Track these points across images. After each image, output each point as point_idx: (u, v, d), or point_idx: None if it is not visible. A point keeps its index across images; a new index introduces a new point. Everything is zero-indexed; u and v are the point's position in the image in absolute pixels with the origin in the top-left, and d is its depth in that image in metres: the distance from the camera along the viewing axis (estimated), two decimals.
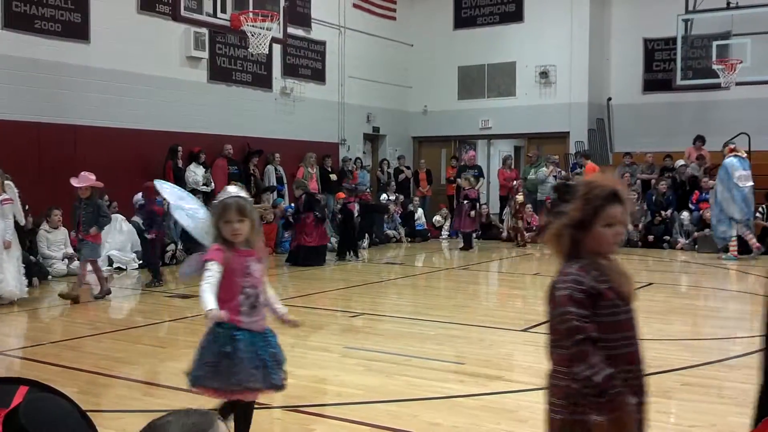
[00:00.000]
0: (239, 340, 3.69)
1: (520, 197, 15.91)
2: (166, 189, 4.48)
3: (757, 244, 13.22)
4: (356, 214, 14.12)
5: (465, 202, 15.17)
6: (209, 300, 3.58)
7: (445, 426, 4.54)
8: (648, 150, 17.16)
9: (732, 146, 13.36)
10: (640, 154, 17.09)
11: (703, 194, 14.92)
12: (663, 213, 15.21)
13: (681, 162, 16.02)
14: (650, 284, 10.58)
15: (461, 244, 15.22)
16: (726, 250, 13.26)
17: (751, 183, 12.97)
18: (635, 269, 12.87)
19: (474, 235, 15.72)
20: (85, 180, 9.07)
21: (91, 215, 9.07)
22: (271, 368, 3.75)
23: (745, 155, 13.28)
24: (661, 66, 18.41)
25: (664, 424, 4.78)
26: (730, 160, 12.99)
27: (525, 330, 7.40)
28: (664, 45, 18.23)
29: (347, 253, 13.53)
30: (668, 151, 16.74)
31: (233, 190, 3.77)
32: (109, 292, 9.29)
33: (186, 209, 4.25)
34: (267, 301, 3.86)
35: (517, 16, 18.88)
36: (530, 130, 18.78)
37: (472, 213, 15.13)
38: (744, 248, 13.18)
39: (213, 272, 3.63)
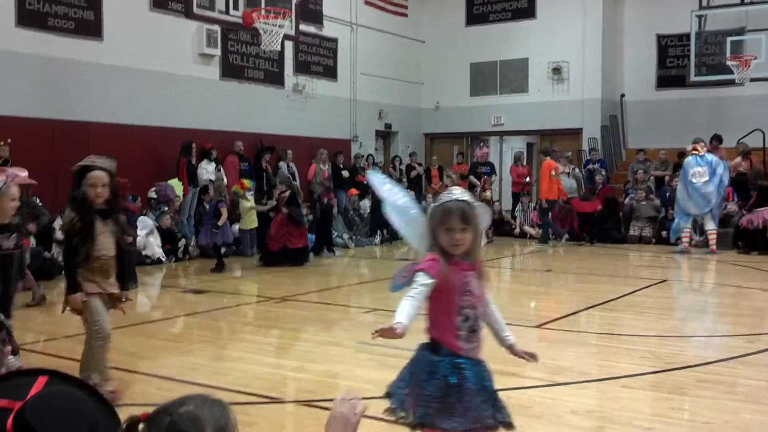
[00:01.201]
0: (465, 369, 3.12)
1: (487, 193, 15.86)
2: (379, 182, 3.70)
3: (714, 248, 13.37)
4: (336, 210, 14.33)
5: None
6: (402, 314, 3.02)
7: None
8: (661, 147, 17.09)
9: (696, 144, 13.59)
10: (654, 151, 17.01)
11: None
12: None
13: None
14: (664, 281, 10.53)
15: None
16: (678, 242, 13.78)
17: (706, 178, 13.24)
18: (649, 266, 12.83)
19: None
20: (12, 178, 8.52)
21: (25, 216, 8.41)
22: (498, 402, 3.19)
23: (704, 153, 13.52)
24: (674, 62, 18.32)
25: (678, 420, 4.75)
26: (687, 160, 13.47)
27: (538, 326, 7.38)
28: (677, 41, 18.13)
29: (323, 249, 13.27)
30: (682, 148, 16.63)
31: (457, 192, 3.20)
32: (43, 299, 8.36)
33: (398, 206, 3.55)
34: (492, 325, 3.34)
35: (529, 12, 18.81)
36: (543, 126, 18.72)
37: None
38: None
39: (422, 285, 3.08)
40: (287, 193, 12.14)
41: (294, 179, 15.55)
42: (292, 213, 12.01)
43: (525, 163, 18.12)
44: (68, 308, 4.99)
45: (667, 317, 8.20)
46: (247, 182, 12.48)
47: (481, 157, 17.67)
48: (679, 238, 13.73)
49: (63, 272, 5.50)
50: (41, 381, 1.87)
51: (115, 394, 4.82)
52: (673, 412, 4.86)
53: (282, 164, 15.44)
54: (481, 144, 19.17)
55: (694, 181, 13.24)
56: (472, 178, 17.07)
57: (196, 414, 1.56)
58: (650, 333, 7.13)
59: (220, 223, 11.36)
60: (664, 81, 18.37)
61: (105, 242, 4.87)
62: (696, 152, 13.44)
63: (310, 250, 12.71)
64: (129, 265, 5.06)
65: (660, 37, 18.38)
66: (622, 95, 18.78)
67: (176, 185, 12.84)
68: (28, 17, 11.66)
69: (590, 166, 16.89)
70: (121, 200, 9.61)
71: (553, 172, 15.32)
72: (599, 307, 8.64)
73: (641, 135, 18.20)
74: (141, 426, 1.58)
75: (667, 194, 15.48)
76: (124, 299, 5.12)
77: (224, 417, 1.60)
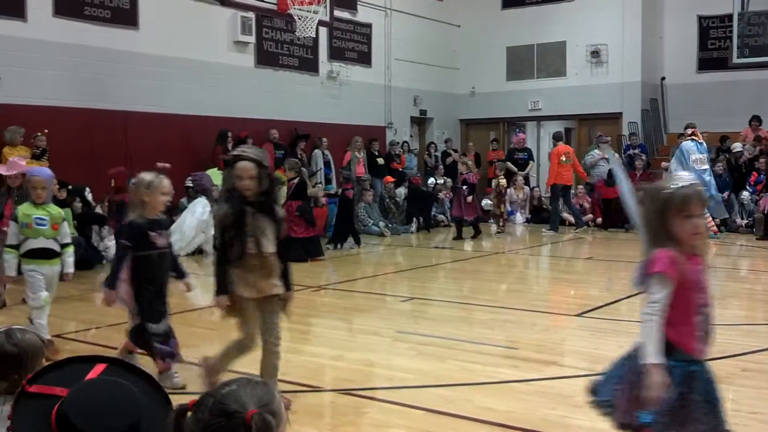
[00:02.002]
0: (696, 377, 2.85)
1: (502, 180, 15.26)
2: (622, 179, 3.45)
3: (715, 229, 13.39)
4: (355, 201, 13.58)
5: (464, 187, 13.94)
6: (652, 347, 2.74)
7: (500, 411, 4.46)
8: (703, 131, 16.74)
9: (691, 130, 13.73)
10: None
11: (761, 176, 14.51)
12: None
13: (737, 147, 15.58)
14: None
15: (455, 234, 14.17)
16: None
17: (706, 166, 13.54)
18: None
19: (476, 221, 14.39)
20: (14, 167, 8.00)
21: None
22: (722, 411, 2.91)
23: (702, 140, 13.67)
24: (716, 44, 17.91)
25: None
26: (687, 144, 13.53)
27: (579, 315, 7.26)
28: (719, 22, 17.73)
29: (343, 241, 12.68)
30: (724, 132, 16.31)
31: (686, 176, 2.91)
32: (4, 305, 7.59)
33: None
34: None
35: None
36: (581, 111, 18.43)
37: (470, 198, 13.85)
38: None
39: (660, 298, 2.77)
40: (296, 180, 11.56)
41: (329, 167, 15.58)
42: (301, 207, 11.35)
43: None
44: (220, 310, 4.57)
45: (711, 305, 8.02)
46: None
47: (517, 143, 17.49)
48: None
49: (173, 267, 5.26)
50: (98, 369, 1.86)
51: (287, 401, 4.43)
52: None
53: (316, 152, 15.42)
54: (517, 130, 18.96)
55: (696, 167, 13.27)
56: (509, 164, 16.90)
57: (239, 392, 1.58)
58: None
59: None
60: (706, 63, 17.98)
61: (265, 237, 4.38)
62: (696, 138, 13.61)
63: (328, 242, 12.54)
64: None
65: (701, 18, 17.97)
66: (663, 78, 18.42)
67: (214, 174, 12.85)
68: (64, 7, 11.75)
69: (630, 152, 16.61)
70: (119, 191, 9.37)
71: (563, 158, 15.18)
72: (641, 295, 8.50)
73: (682, 119, 17.76)
74: (189, 414, 1.58)
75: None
76: (287, 302, 4.59)
77: (268, 395, 1.61)
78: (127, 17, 12.57)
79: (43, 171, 6.03)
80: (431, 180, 17.02)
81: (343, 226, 12.92)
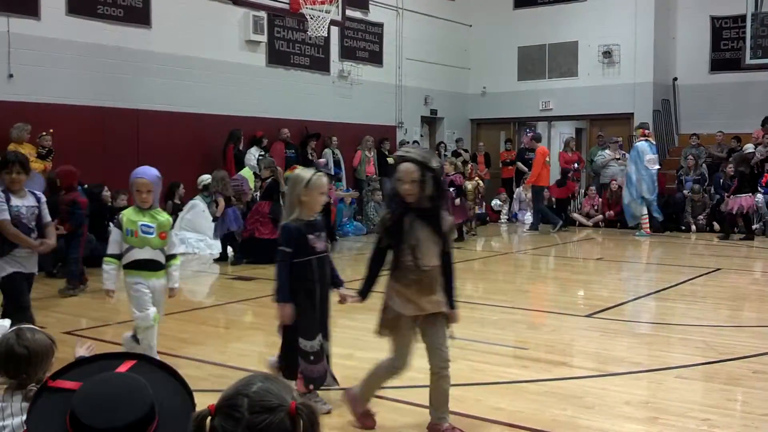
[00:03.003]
0: None
1: (482, 183, 14.91)
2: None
3: (647, 229, 14.29)
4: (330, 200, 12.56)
5: (451, 189, 13.09)
6: None
7: (510, 411, 4.46)
8: (715, 132, 16.68)
9: (644, 130, 14.42)
10: (707, 136, 16.62)
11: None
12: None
13: (749, 148, 15.52)
14: (718, 269, 10.29)
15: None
16: (638, 227, 14.40)
17: (658, 166, 14.43)
18: (702, 254, 12.56)
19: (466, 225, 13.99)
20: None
21: None
22: None
23: (654, 141, 14.55)
24: (729, 45, 17.83)
25: (734, 411, 4.64)
26: (642, 144, 14.12)
27: (589, 316, 7.25)
28: (732, 23, 17.65)
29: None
30: (737, 133, 16.23)
31: None
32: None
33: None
34: None
35: None
36: (593, 111, 18.38)
37: (458, 201, 13.24)
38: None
39: None
40: (269, 180, 11.25)
41: (339, 166, 15.60)
42: (274, 209, 10.75)
43: (575, 149, 17.83)
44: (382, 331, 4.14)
45: (722, 307, 8.01)
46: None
47: (527, 143, 17.47)
48: (638, 223, 14.43)
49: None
50: (126, 365, 1.88)
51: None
52: (728, 404, 4.75)
53: (327, 151, 15.44)
54: (528, 130, 18.93)
55: (649, 167, 14.02)
56: (519, 164, 16.89)
57: (270, 388, 1.56)
58: (704, 323, 6.98)
59: (217, 214, 11.03)
60: (719, 64, 17.90)
61: (426, 249, 3.93)
62: (649, 139, 14.29)
63: None
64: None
65: (714, 19, 17.89)
66: (675, 79, 18.35)
67: (248, 176, 12.81)
68: (77, 5, 11.80)
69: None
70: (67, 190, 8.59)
71: (547, 159, 15.46)
72: (651, 296, 8.49)
73: (694, 120, 17.79)
74: (215, 419, 1.55)
75: (721, 180, 15.12)
76: (452, 322, 4.16)
77: (289, 387, 1.62)
78: (140, 16, 12.62)
79: (148, 171, 5.26)
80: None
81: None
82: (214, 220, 11.38)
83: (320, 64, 15.93)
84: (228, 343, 6.38)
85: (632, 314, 7.59)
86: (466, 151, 18.40)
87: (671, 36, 18.28)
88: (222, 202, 11.02)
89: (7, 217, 5.33)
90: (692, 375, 5.32)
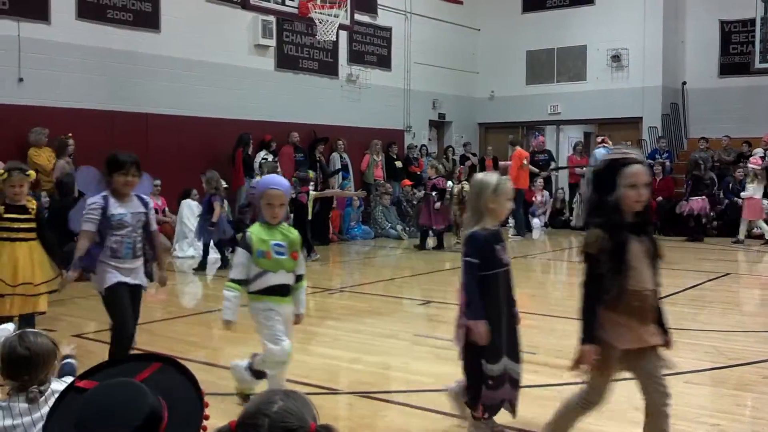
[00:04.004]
0: None
1: (467, 186, 13.44)
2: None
3: None
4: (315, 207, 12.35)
5: (433, 193, 12.80)
6: None
7: (520, 416, 4.44)
8: (724, 136, 16.62)
9: (604, 137, 14.92)
10: (716, 140, 16.58)
11: None
12: (739, 200, 14.69)
13: (759, 152, 15.47)
14: (726, 274, 10.25)
15: (419, 242, 13.12)
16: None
17: None
18: (710, 259, 12.50)
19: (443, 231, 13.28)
20: None
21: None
22: None
23: (611, 146, 14.28)
24: (738, 49, 17.78)
25: (743, 417, 4.62)
26: (601, 151, 14.12)
27: None
28: (741, 27, 17.60)
29: (309, 252, 11.37)
30: (746, 137, 16.17)
31: None
32: None
33: None
34: None
35: None
36: (601, 115, 18.36)
37: (437, 205, 12.75)
38: None
39: None
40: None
41: (347, 170, 15.62)
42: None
43: (583, 153, 17.82)
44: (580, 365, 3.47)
45: (731, 312, 7.98)
46: (309, 173, 12.55)
47: (536, 146, 17.46)
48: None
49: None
50: (152, 368, 1.91)
51: None
52: (738, 409, 4.73)
53: (335, 155, 15.47)
54: (536, 133, 18.92)
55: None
56: (531, 167, 16.86)
57: (291, 408, 1.57)
58: (713, 328, 6.95)
59: (214, 219, 10.43)
60: (728, 68, 17.85)
61: (643, 270, 3.41)
62: (607, 145, 14.50)
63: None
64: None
65: (723, 23, 17.85)
66: (684, 83, 18.31)
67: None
68: (87, 10, 11.87)
69: (656, 158, 16.57)
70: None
71: (525, 162, 15.47)
72: (663, 299, 8.45)
73: (703, 124, 17.73)
74: None
75: (730, 185, 15.07)
76: (669, 349, 3.55)
77: (309, 405, 1.63)
78: (149, 20, 12.68)
79: (282, 182, 4.60)
80: (449, 184, 16.97)
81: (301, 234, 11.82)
82: (211, 226, 10.58)
83: (329, 68, 15.95)
84: (236, 346, 6.38)
85: None
86: (474, 155, 18.40)
87: (680, 40, 18.24)
88: (218, 207, 10.52)
89: (92, 228, 4.77)
90: (701, 380, 5.29)
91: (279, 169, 11.66)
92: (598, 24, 18.14)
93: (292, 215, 11.83)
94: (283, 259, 4.37)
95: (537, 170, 16.75)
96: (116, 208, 4.77)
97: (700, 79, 18.02)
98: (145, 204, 4.98)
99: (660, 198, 15.33)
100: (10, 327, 2.94)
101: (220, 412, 4.42)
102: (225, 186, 11.57)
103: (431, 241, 13.13)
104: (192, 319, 7.22)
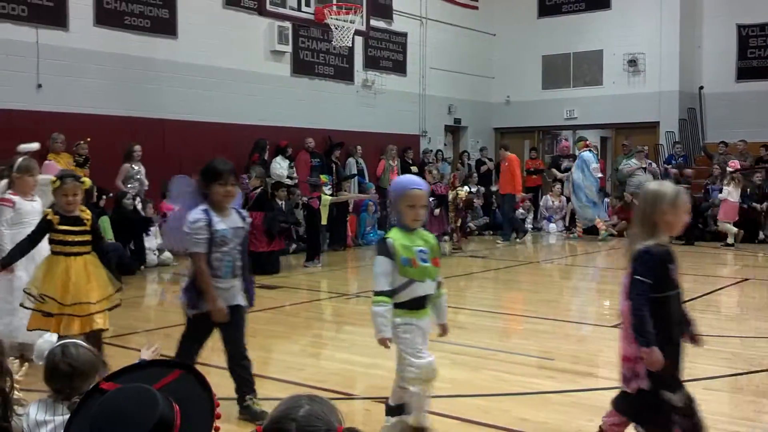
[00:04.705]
0: None
1: (461, 192, 13.46)
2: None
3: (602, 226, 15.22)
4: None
5: (431, 199, 12.37)
6: None
7: (536, 422, 4.44)
8: (740, 140, 16.50)
9: (587, 141, 15.56)
10: (733, 145, 16.47)
11: None
12: (759, 206, 14.59)
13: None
14: (746, 280, 10.18)
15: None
16: (593, 231, 15.25)
17: (601, 174, 15.47)
18: (729, 264, 12.42)
19: (447, 236, 13.33)
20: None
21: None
22: None
23: (596, 150, 15.89)
24: (756, 53, 17.66)
25: (763, 424, 4.58)
26: (587, 154, 15.04)
27: (616, 326, 7.19)
28: (759, 31, 17.50)
29: (315, 256, 11.55)
30: (764, 142, 16.06)
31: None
32: None
33: None
34: None
35: (603, 2, 18.38)
36: (618, 120, 18.30)
37: (436, 212, 12.56)
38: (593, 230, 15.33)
39: None
40: (258, 191, 10.94)
41: (363, 175, 15.64)
42: (268, 219, 10.60)
43: (600, 157, 17.74)
44: None
45: (750, 317, 7.91)
46: (323, 177, 12.59)
47: (560, 150, 17.40)
48: (593, 226, 15.25)
49: None
50: (174, 375, 1.95)
51: None
52: (757, 416, 4.69)
53: (350, 160, 15.49)
54: (560, 138, 18.89)
55: (596, 175, 15.07)
56: (555, 171, 16.80)
57: (318, 412, 1.60)
58: (731, 334, 6.90)
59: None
60: (745, 72, 17.74)
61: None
62: (591, 149, 15.34)
63: (307, 260, 11.59)
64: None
65: (741, 27, 17.74)
66: (701, 87, 18.20)
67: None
68: (105, 16, 11.97)
69: (670, 163, 16.48)
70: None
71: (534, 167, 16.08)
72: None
73: (721, 128, 17.61)
74: None
75: (748, 190, 14.97)
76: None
77: (335, 409, 1.65)
78: (166, 27, 12.77)
79: (421, 182, 4.16)
80: (465, 188, 16.96)
81: (310, 239, 11.96)
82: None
83: (344, 74, 15.99)
84: (252, 351, 6.38)
85: None
86: (490, 159, 18.37)
87: (697, 44, 18.14)
88: None
89: (204, 250, 4.34)
90: (720, 386, 5.26)
91: (267, 179, 11.54)
92: (615, 28, 18.08)
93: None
94: (428, 266, 4.02)
95: (559, 174, 16.67)
96: (219, 223, 4.37)
97: (718, 83, 17.90)
98: (243, 218, 4.57)
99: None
100: (53, 338, 2.97)
101: (233, 415, 4.45)
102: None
103: None
104: None
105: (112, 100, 12.01)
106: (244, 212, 4.66)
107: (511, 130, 20.04)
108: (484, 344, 6.39)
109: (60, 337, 2.99)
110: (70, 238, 5.25)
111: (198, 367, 2.13)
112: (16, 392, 2.82)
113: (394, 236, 3.98)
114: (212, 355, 6.12)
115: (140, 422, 1.76)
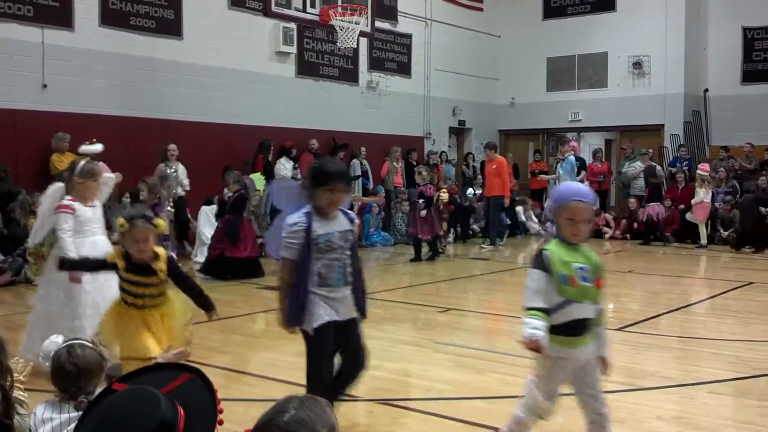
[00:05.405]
0: None
1: (444, 195, 12.76)
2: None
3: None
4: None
5: (420, 201, 12.24)
6: None
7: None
8: (746, 143, 16.48)
9: (573, 144, 15.50)
10: (737, 148, 16.45)
11: None
12: (763, 209, 14.55)
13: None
14: (750, 283, 10.15)
15: (417, 255, 12.38)
16: (596, 234, 15.21)
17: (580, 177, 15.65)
18: (733, 268, 12.39)
19: (439, 239, 12.80)
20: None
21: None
22: None
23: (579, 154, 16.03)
24: (761, 56, 17.64)
25: (766, 428, 4.56)
26: (571, 159, 15.00)
27: (620, 329, 7.18)
28: (764, 33, 17.48)
29: None
30: None
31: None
32: None
33: None
34: None
35: (608, 4, 18.38)
36: (622, 122, 18.27)
37: (423, 213, 12.14)
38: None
39: None
40: (235, 195, 10.56)
41: (367, 177, 15.63)
42: (232, 224, 10.37)
43: (604, 159, 17.72)
44: None
45: (754, 321, 7.89)
46: None
47: (568, 152, 17.37)
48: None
49: None
50: (183, 378, 1.98)
51: None
52: (763, 419, 4.67)
53: (354, 161, 15.49)
54: (567, 139, 18.85)
55: (586, 180, 15.29)
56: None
57: (302, 417, 1.57)
58: (736, 337, 6.88)
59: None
60: (751, 75, 17.70)
61: None
62: (576, 153, 15.48)
63: None
64: None
65: (746, 30, 17.71)
66: (706, 90, 18.18)
67: (257, 179, 12.91)
68: (110, 17, 11.99)
69: (676, 166, 16.44)
70: None
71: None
72: (682, 309, 8.39)
73: (726, 131, 17.59)
74: None
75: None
76: None
77: (326, 414, 1.63)
78: (172, 27, 12.78)
79: (587, 193, 3.57)
80: (469, 190, 16.97)
81: None
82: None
83: (349, 75, 16.00)
84: (258, 352, 6.40)
85: (663, 328, 7.51)
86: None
87: (702, 47, 18.12)
88: (164, 218, 9.89)
89: (294, 256, 3.94)
90: (725, 390, 5.24)
91: (246, 183, 11.41)
92: (620, 31, 18.06)
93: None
94: (589, 287, 3.48)
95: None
96: (320, 228, 3.95)
97: (723, 86, 17.87)
98: (351, 220, 4.16)
99: (682, 206, 15.22)
100: (59, 339, 2.98)
101: (239, 417, 4.44)
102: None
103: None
104: (212, 325, 7.23)
105: (116, 100, 12.03)
106: (352, 213, 4.27)
107: (516, 132, 20.04)
108: (488, 346, 6.39)
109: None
110: (140, 290, 4.32)
111: (197, 367, 2.14)
112: (20, 392, 2.83)
113: (553, 249, 3.46)
114: (213, 355, 6.13)
115: (141, 425, 1.78)
